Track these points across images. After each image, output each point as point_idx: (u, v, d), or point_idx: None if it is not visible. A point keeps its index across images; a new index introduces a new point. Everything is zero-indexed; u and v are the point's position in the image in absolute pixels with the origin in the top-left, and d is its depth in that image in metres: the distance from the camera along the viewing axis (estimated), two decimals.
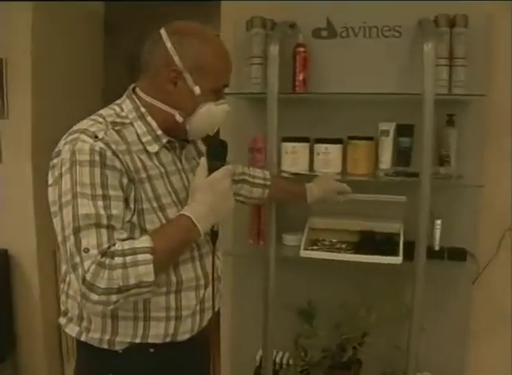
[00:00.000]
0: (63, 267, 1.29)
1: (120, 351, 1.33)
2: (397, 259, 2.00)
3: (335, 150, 2.21)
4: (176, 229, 1.25)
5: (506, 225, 2.16)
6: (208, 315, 1.43)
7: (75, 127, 1.27)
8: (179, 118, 1.34)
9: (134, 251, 1.15)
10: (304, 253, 2.11)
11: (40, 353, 2.88)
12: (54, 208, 1.21)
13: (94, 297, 1.12)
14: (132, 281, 1.13)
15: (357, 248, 2.13)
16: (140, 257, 1.14)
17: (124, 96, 1.38)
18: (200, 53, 1.31)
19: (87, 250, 1.13)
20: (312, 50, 2.26)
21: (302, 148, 2.25)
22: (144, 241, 1.17)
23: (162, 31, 1.33)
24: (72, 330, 1.36)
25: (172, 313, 1.33)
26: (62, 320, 1.39)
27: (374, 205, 2.20)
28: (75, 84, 3.02)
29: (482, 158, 2.15)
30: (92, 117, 1.29)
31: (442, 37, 2.04)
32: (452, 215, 2.17)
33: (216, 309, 1.49)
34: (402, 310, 2.04)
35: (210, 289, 1.41)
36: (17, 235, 2.82)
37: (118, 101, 1.37)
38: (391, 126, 2.16)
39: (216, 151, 1.34)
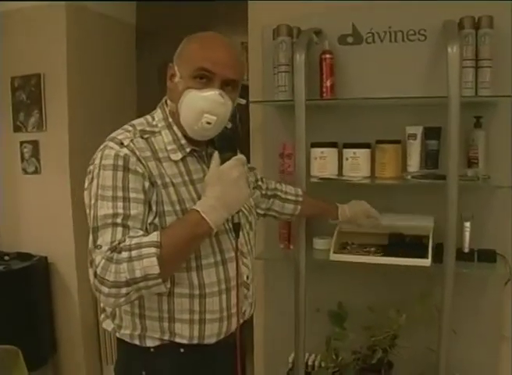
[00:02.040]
0: None
1: (152, 350, 1.39)
2: (426, 262, 2.00)
3: (363, 154, 2.23)
4: (185, 223, 1.28)
5: None
6: (235, 320, 1.45)
7: (108, 136, 1.36)
8: (170, 108, 1.42)
9: (140, 246, 1.20)
10: (333, 256, 2.14)
11: (80, 356, 2.98)
12: (87, 211, 1.32)
13: (105, 290, 1.19)
14: (138, 274, 1.18)
15: (386, 251, 2.14)
16: (145, 250, 1.19)
17: (157, 106, 1.47)
18: (183, 46, 1.42)
19: (99, 247, 1.22)
20: (339, 56, 2.29)
21: (331, 153, 2.28)
22: (152, 236, 1.22)
23: None
24: (108, 325, 1.46)
25: (196, 316, 1.38)
26: (101, 316, 1.48)
27: (404, 207, 2.23)
28: (110, 95, 3.13)
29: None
30: (124, 126, 1.40)
31: (467, 38, 2.04)
32: (482, 217, 2.15)
33: (247, 316, 1.53)
34: (432, 312, 2.05)
35: (235, 294, 1.43)
36: (56, 243, 2.93)
37: (153, 112, 1.46)
38: (418, 130, 2.17)
39: (225, 143, 1.37)
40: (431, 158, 2.18)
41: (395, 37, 2.24)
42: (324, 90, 2.26)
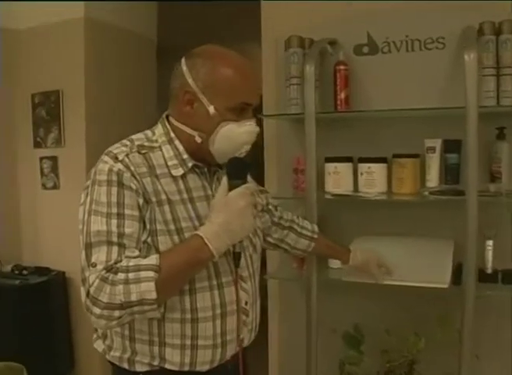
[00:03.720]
0: None
1: None
2: (444, 284, 1.88)
3: (379, 169, 2.13)
4: (186, 248, 1.23)
5: None
6: (231, 347, 1.38)
7: (105, 150, 1.31)
8: (198, 139, 1.33)
9: (138, 268, 1.16)
10: (346, 277, 2.04)
11: (98, 372, 2.94)
12: (80, 227, 1.27)
13: (97, 311, 1.14)
14: (134, 298, 1.14)
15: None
16: (143, 274, 1.15)
17: (158, 122, 1.42)
18: (212, 72, 1.31)
19: (94, 265, 1.17)
20: (354, 67, 2.21)
21: (345, 168, 2.19)
22: (151, 259, 1.18)
23: (183, 58, 1.36)
24: (99, 346, 1.41)
25: (188, 342, 1.31)
26: (93, 336, 1.44)
27: (422, 224, 2.12)
28: (128, 111, 3.12)
29: None
30: (122, 141, 1.35)
31: (488, 45, 1.93)
32: (507, 234, 2.02)
33: (246, 343, 1.44)
34: (453, 336, 1.92)
35: (233, 320, 1.36)
36: (74, 258, 2.89)
37: (154, 127, 1.41)
38: (437, 143, 2.07)
39: (236, 170, 1.31)
40: (451, 173, 2.06)
41: (412, 46, 2.14)
42: (338, 102, 2.18)
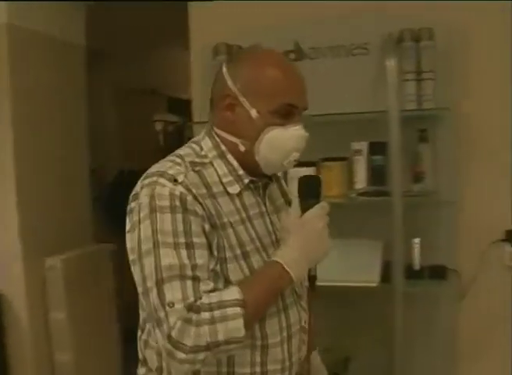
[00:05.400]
0: (142, 314, 1.23)
1: None
2: (373, 282, 1.95)
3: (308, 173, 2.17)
4: (267, 277, 1.14)
5: (487, 240, 2.09)
6: (295, 368, 1.29)
7: (152, 169, 1.17)
8: (241, 147, 1.20)
9: (223, 305, 1.06)
10: None
11: None
12: (132, 257, 1.14)
13: (181, 355, 1.04)
14: (221, 337, 1.04)
15: None
16: (230, 311, 1.05)
17: (202, 133, 1.26)
18: (253, 73, 1.18)
19: (171, 304, 1.05)
20: None
21: None
22: (233, 293, 1.08)
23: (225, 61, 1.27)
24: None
25: (258, 369, 1.20)
26: (141, 370, 1.27)
27: (353, 226, 2.17)
28: (57, 117, 3.04)
29: (458, 173, 2.10)
30: (170, 158, 1.20)
31: (408, 51, 2.01)
32: (431, 232, 2.11)
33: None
34: (386, 333, 1.99)
35: (296, 341, 1.27)
36: (6, 274, 2.82)
37: (195, 139, 1.27)
38: (364, 146, 2.13)
39: (307, 189, 1.22)
40: (377, 175, 2.13)
41: (338, 51, 2.20)
42: None
